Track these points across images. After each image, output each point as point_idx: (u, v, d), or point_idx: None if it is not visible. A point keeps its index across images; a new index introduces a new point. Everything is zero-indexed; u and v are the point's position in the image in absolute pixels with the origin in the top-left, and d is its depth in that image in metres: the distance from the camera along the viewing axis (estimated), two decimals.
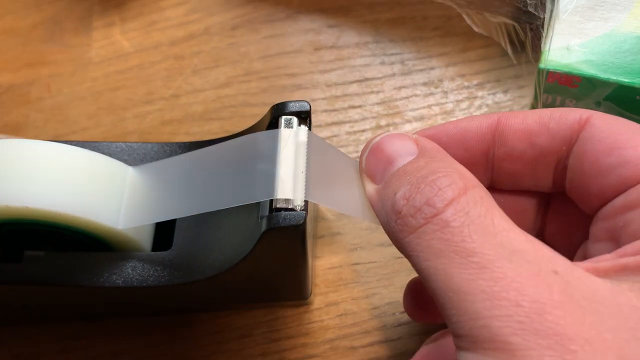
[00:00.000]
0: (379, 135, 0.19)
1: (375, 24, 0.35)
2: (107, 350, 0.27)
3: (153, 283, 0.23)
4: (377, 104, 0.33)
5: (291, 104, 0.22)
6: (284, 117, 0.22)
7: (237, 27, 0.36)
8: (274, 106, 0.22)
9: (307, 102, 0.22)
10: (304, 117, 0.22)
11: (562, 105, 0.25)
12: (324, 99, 0.33)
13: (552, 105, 0.25)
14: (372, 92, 0.33)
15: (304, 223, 0.19)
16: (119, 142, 0.26)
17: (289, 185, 0.20)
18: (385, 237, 0.28)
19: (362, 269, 0.28)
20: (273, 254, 0.21)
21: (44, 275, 0.23)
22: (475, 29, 0.27)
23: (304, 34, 0.36)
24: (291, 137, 0.21)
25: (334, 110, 0.33)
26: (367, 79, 0.34)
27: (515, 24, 0.27)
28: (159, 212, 0.23)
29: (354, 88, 0.33)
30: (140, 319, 0.28)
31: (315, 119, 0.32)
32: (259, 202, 0.21)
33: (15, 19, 0.41)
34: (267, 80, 0.34)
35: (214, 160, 0.22)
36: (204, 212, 0.21)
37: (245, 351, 0.27)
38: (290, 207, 0.20)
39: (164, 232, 0.25)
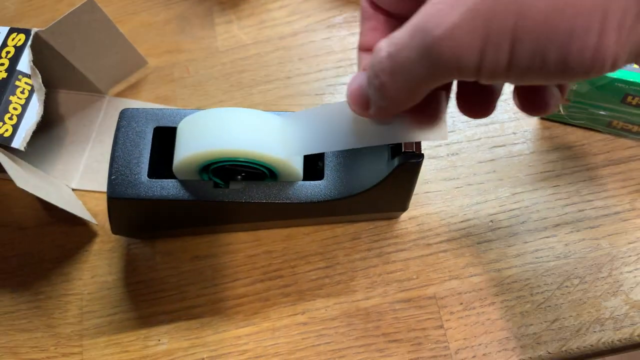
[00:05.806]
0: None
1: None
2: (268, 248, 0.41)
3: (315, 199, 0.37)
4: None
5: None
6: None
7: (333, 27, 0.50)
8: None
9: None
10: None
11: None
12: None
13: None
14: None
15: (422, 160, 0.33)
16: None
17: None
18: (448, 174, 0.42)
19: (432, 195, 0.42)
20: (399, 180, 0.35)
21: (243, 196, 0.37)
22: None
23: None
24: None
25: None
26: None
27: None
28: (314, 147, 0.34)
29: None
30: (287, 228, 0.42)
31: None
32: (388, 145, 0.35)
33: (149, 15, 0.53)
34: (356, 66, 0.48)
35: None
36: (351, 148, 0.34)
37: (356, 247, 0.41)
38: (412, 150, 0.33)
39: (311, 174, 0.38)
